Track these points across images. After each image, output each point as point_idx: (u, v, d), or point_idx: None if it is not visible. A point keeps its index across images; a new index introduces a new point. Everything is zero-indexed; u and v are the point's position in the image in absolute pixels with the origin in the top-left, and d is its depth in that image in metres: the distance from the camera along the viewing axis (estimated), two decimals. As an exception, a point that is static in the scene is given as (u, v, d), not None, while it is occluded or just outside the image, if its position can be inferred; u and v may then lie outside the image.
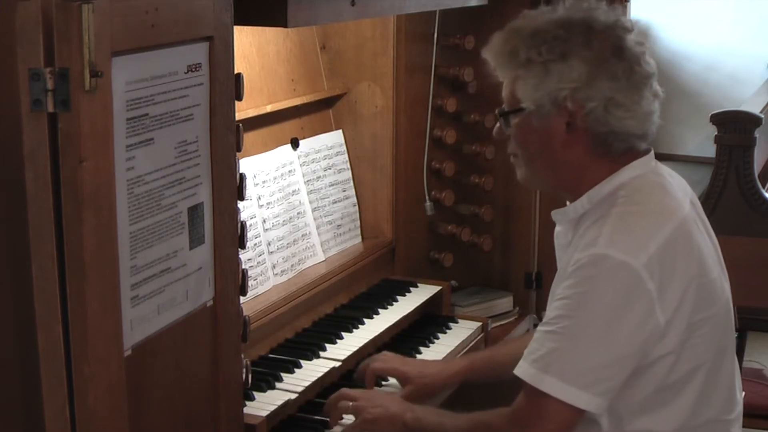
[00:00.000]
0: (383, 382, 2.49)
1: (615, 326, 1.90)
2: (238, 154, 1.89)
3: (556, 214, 2.14)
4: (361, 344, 2.57)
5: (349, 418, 2.26)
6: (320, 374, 2.39)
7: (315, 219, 2.81)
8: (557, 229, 2.18)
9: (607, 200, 2.02)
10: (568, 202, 2.13)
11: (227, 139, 1.84)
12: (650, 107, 2.03)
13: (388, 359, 2.49)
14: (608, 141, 2.01)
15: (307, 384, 2.33)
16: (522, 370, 1.95)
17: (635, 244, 1.91)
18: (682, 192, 2.10)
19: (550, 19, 2.04)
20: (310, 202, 2.80)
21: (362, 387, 2.42)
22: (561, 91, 1.98)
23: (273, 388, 2.29)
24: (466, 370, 2.48)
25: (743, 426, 2.20)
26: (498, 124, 2.14)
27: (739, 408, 2.14)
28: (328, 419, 2.26)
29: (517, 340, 2.74)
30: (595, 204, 2.04)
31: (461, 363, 2.53)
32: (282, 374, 2.34)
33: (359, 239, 2.99)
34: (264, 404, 2.21)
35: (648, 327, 1.91)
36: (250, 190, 2.53)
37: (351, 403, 2.24)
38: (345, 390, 2.31)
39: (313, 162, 2.84)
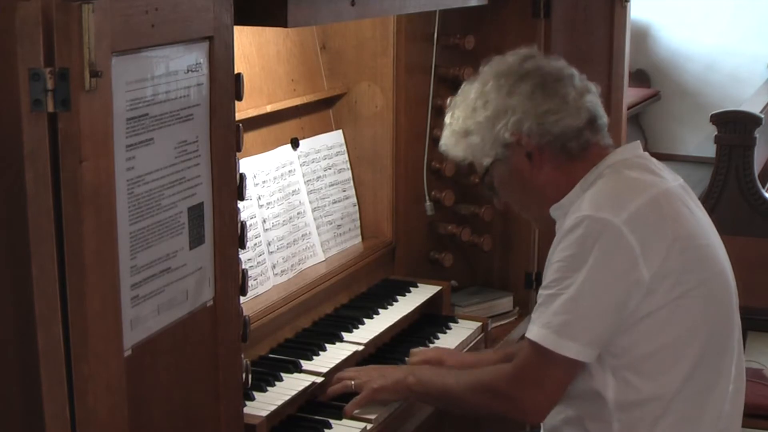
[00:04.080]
0: None
1: (602, 279, 2.03)
2: (238, 154, 1.89)
3: (554, 210, 2.24)
4: (361, 344, 2.57)
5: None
6: (320, 374, 2.39)
7: (315, 219, 2.81)
8: (558, 224, 2.23)
9: (595, 179, 2.17)
10: None
11: (227, 139, 1.84)
12: (578, 102, 2.21)
13: (425, 351, 2.60)
14: (561, 145, 2.20)
15: (307, 384, 2.34)
16: (537, 334, 2.07)
17: (615, 204, 2.06)
18: (671, 178, 2.21)
19: (468, 89, 2.30)
20: (310, 202, 2.80)
21: None
22: (498, 133, 2.21)
23: (273, 387, 2.29)
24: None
25: (743, 426, 2.20)
26: (493, 197, 2.38)
27: (732, 390, 2.17)
28: (328, 419, 2.27)
29: None
30: (585, 188, 2.16)
31: (494, 358, 2.57)
32: (282, 374, 2.34)
33: (359, 239, 2.99)
34: (264, 404, 2.21)
35: (630, 279, 2.02)
36: (250, 190, 2.53)
37: (353, 382, 2.34)
38: (340, 374, 2.40)
39: (313, 162, 2.84)
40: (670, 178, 2.20)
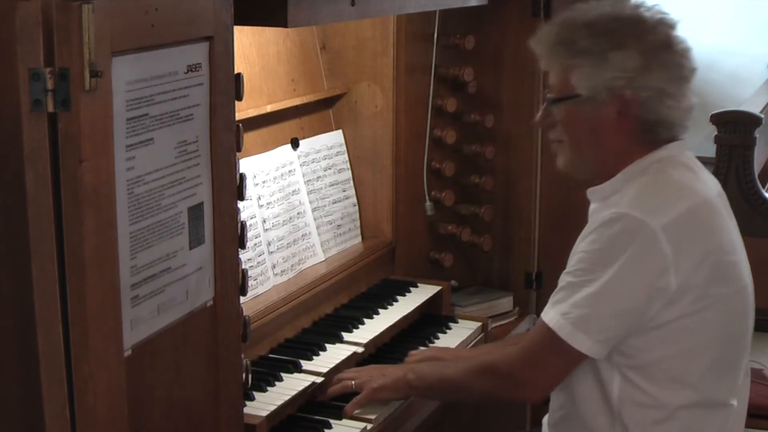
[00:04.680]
0: None
1: (629, 281, 2.00)
2: (238, 154, 1.89)
3: (591, 193, 2.21)
4: (361, 344, 2.57)
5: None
6: (320, 374, 2.39)
7: (315, 219, 2.81)
8: (592, 206, 2.23)
9: (640, 173, 2.11)
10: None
11: (227, 139, 1.84)
12: (692, 102, 2.14)
13: (422, 352, 2.59)
14: (656, 129, 2.11)
15: (307, 384, 2.34)
16: (553, 321, 2.06)
17: (656, 207, 2.01)
18: (711, 184, 2.18)
19: (601, 13, 2.13)
20: (310, 202, 2.80)
21: None
22: (618, 80, 2.07)
23: (273, 387, 2.29)
24: None
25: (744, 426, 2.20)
26: (542, 111, 2.22)
27: (737, 400, 2.17)
28: (328, 419, 2.28)
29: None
30: (628, 179, 2.11)
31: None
32: (282, 374, 2.34)
33: (359, 239, 2.99)
34: (264, 404, 2.21)
35: (657, 285, 1.99)
36: (250, 190, 2.53)
37: (353, 382, 2.34)
38: (340, 374, 2.40)
39: (313, 162, 2.84)
40: (711, 184, 2.16)
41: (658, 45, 2.09)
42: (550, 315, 2.07)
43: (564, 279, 2.09)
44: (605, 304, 2.02)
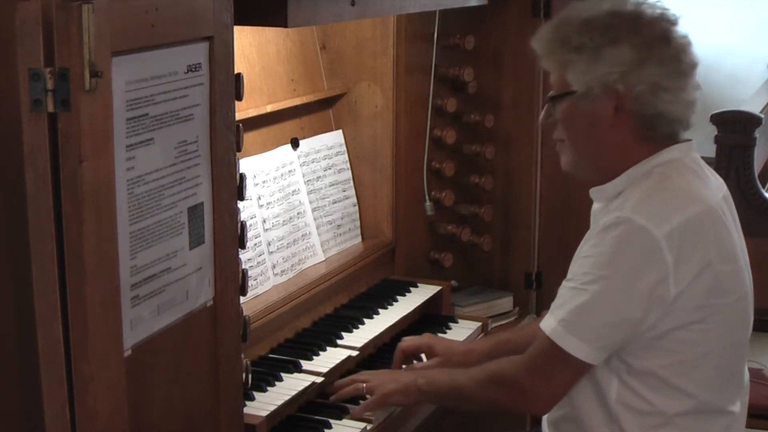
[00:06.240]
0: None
1: (627, 289, 1.99)
2: (238, 154, 1.89)
3: (594, 192, 2.19)
4: (361, 344, 2.58)
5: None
6: (320, 374, 2.39)
7: (315, 219, 2.81)
8: (594, 206, 2.23)
9: (644, 176, 2.09)
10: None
11: (227, 139, 1.84)
12: (692, 96, 2.11)
13: (415, 338, 2.58)
14: (654, 124, 2.09)
15: (307, 384, 2.34)
16: (550, 328, 2.04)
17: (660, 214, 1.98)
18: (716, 186, 2.15)
19: (600, 10, 2.12)
20: (310, 202, 2.80)
21: None
22: (611, 74, 2.05)
23: (273, 387, 2.29)
24: (489, 352, 2.53)
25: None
26: (544, 110, 2.20)
27: (739, 406, 2.16)
28: (328, 419, 2.28)
29: (535, 323, 2.81)
30: (632, 181, 2.09)
31: (485, 345, 2.57)
32: (282, 374, 2.34)
33: (359, 239, 2.99)
34: (264, 404, 2.21)
35: (656, 294, 1.98)
36: (250, 190, 2.53)
37: (364, 385, 2.33)
38: (353, 376, 2.39)
39: (313, 162, 2.84)
40: (716, 188, 2.13)
41: (655, 39, 2.07)
42: (549, 323, 2.05)
43: (564, 286, 2.08)
44: (603, 311, 2.00)
